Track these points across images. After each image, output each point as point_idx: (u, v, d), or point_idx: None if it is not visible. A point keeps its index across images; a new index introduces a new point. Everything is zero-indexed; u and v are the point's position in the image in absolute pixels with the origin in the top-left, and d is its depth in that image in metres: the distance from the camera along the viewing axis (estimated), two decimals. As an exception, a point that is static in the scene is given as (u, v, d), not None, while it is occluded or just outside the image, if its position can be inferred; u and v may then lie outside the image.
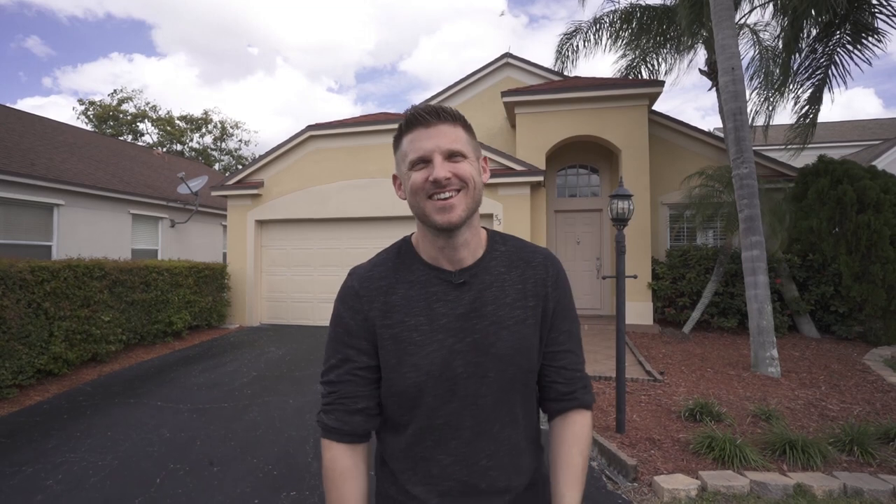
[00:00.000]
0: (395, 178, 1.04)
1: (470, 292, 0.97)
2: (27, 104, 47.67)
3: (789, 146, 9.24)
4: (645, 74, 10.64)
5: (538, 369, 1.03)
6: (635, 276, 4.16)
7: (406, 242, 1.05)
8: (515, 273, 1.02)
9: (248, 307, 9.80)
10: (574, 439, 1.01)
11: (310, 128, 9.66)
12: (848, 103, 43.63)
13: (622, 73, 10.80)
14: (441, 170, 0.90)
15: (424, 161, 0.92)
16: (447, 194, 0.91)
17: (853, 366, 6.05)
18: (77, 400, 4.95)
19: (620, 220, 4.01)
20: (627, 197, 4.00)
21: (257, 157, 10.28)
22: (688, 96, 62.95)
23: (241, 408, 4.72)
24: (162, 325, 7.52)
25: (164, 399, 4.99)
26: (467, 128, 0.98)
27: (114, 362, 6.43)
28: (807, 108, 8.52)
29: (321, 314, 9.59)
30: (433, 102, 11.37)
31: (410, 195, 0.95)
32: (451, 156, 0.92)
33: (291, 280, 9.87)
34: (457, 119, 0.96)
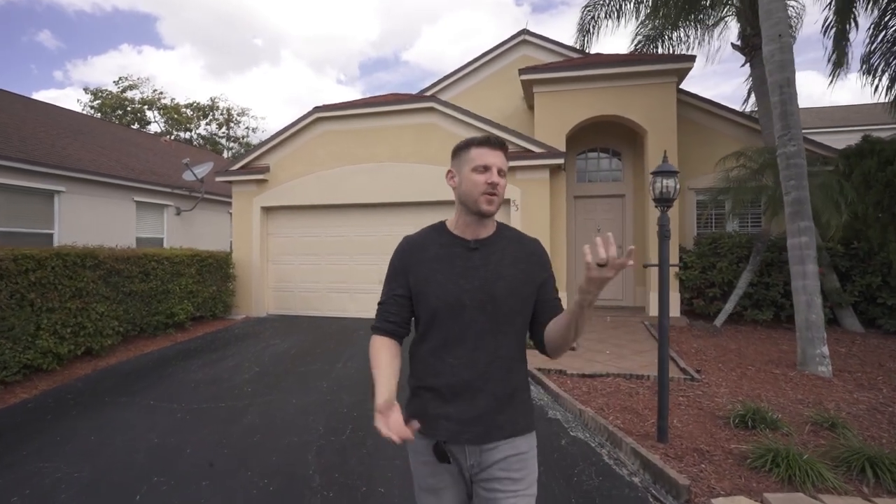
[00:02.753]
0: (449, 171, 1.52)
1: (479, 254, 1.46)
2: (42, 97, 47.81)
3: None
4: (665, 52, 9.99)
5: (528, 314, 1.48)
6: (681, 266, 3.64)
7: (441, 223, 1.56)
8: (513, 247, 1.50)
9: (255, 297, 9.44)
10: (564, 329, 1.40)
11: (317, 109, 9.19)
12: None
13: (640, 47, 10.14)
14: (496, 178, 1.41)
15: (486, 169, 1.41)
16: (495, 195, 1.42)
17: (910, 364, 5.50)
18: (65, 398, 4.59)
19: (664, 201, 3.51)
20: (672, 174, 3.49)
21: (263, 140, 9.85)
22: (707, 84, 61.30)
23: (240, 408, 4.33)
24: (163, 316, 7.18)
25: (158, 397, 4.61)
26: (507, 157, 1.49)
27: (110, 356, 6.09)
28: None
29: (330, 305, 9.20)
30: (448, 83, 11.02)
31: (468, 187, 1.43)
32: (500, 172, 1.43)
33: (299, 269, 9.48)
34: (507, 150, 1.49)
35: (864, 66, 7.88)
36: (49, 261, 5.05)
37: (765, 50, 5.70)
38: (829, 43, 8.19)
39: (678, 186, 3.52)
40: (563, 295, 8.56)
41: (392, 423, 1.22)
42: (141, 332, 6.98)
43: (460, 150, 1.48)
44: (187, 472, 3.15)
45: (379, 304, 1.53)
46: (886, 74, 7.81)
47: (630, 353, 6.10)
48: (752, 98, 11.01)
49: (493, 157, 1.42)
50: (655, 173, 3.55)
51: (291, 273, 9.52)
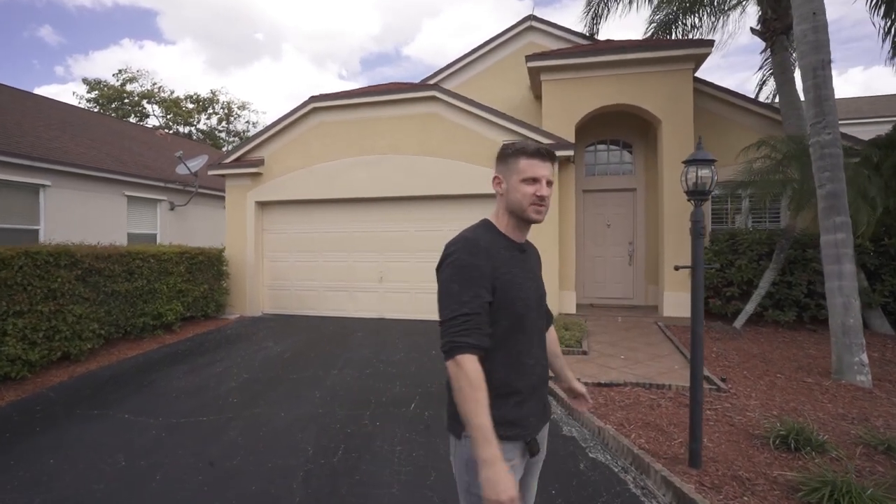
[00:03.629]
0: (496, 177, 1.54)
1: (526, 255, 1.56)
2: (44, 92, 47.39)
3: None
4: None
5: None
6: (718, 268, 3.22)
7: (489, 223, 1.55)
8: (531, 250, 1.65)
9: (249, 296, 9.04)
10: (554, 338, 1.84)
11: (313, 99, 8.74)
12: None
13: (654, 33, 9.65)
14: (545, 190, 1.47)
15: (535, 181, 1.46)
16: (543, 206, 1.48)
17: (953, 372, 5.07)
18: (32, 410, 4.19)
19: (699, 194, 3.07)
20: (709, 162, 3.05)
21: (257, 132, 9.41)
22: (721, 74, 60.44)
23: (222, 423, 3.93)
24: (149, 317, 6.78)
25: (135, 410, 4.21)
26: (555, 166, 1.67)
27: (90, 361, 5.70)
28: None
29: (328, 304, 8.80)
30: (452, 72, 10.52)
31: (518, 197, 1.47)
32: (549, 184, 1.49)
33: (295, 266, 9.07)
34: (555, 161, 1.58)
35: None
36: (15, 260, 4.64)
37: (797, 30, 5.23)
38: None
39: (716, 177, 3.08)
40: (570, 295, 8.17)
41: (512, 485, 1.21)
42: (126, 335, 6.59)
43: (508, 157, 1.49)
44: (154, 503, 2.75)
45: (463, 315, 1.33)
46: None
47: (646, 358, 5.67)
48: (762, 91, 10.56)
49: (543, 169, 1.45)
50: (689, 162, 3.11)
51: (287, 271, 9.11)
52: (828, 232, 4.93)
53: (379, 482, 3.00)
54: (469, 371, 1.28)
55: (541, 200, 1.44)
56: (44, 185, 8.94)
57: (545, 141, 7.60)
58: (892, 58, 6.94)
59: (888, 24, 6.76)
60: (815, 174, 5.08)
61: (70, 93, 46.54)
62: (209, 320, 8.39)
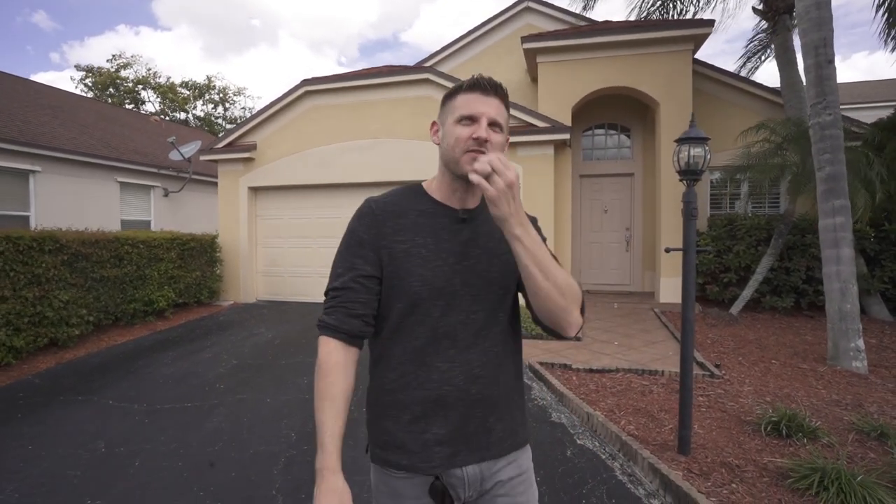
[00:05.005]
0: (434, 123, 1.19)
1: (469, 227, 1.14)
2: (39, 79, 46.99)
3: None
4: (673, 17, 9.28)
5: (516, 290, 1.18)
6: (710, 251, 3.13)
7: (418, 185, 1.20)
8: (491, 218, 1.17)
9: (243, 282, 8.97)
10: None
11: (305, 82, 8.58)
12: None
13: (651, 10, 9.45)
14: (484, 132, 1.05)
15: (472, 120, 1.07)
16: (482, 154, 1.03)
17: (951, 357, 5.00)
18: (15, 397, 4.14)
19: (691, 173, 2.98)
20: (702, 140, 2.95)
21: (248, 116, 9.26)
22: (725, 60, 59.71)
23: (207, 409, 3.87)
24: (140, 303, 6.71)
25: (119, 396, 4.16)
26: (508, 107, 1.12)
27: (79, 347, 5.64)
28: None
29: (321, 289, 8.62)
30: (447, 55, 10.35)
31: (451, 144, 1.09)
32: (493, 124, 1.07)
33: (289, 252, 8.99)
34: (506, 97, 1.12)
35: None
36: (-4, 245, 4.56)
37: (798, 6, 5.07)
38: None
39: (709, 157, 2.97)
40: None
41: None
42: (116, 321, 6.53)
43: (447, 97, 1.14)
44: (129, 491, 2.69)
45: (332, 290, 1.11)
46: None
47: (640, 345, 5.61)
48: (759, 74, 10.34)
49: (483, 105, 1.07)
50: (681, 140, 3.00)
51: (281, 257, 9.03)
52: (826, 216, 4.83)
53: (361, 469, 2.93)
54: (320, 356, 1.07)
55: (478, 145, 1.05)
56: (34, 171, 8.83)
57: (540, 124, 7.47)
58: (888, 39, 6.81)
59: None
60: (814, 156, 4.97)
61: (66, 79, 46.24)
62: (202, 307, 8.33)
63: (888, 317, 6.67)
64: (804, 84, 5.66)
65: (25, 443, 3.28)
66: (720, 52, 62.88)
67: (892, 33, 6.71)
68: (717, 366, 4.73)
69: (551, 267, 0.97)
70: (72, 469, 2.92)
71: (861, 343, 4.58)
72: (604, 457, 3.13)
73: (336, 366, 1.06)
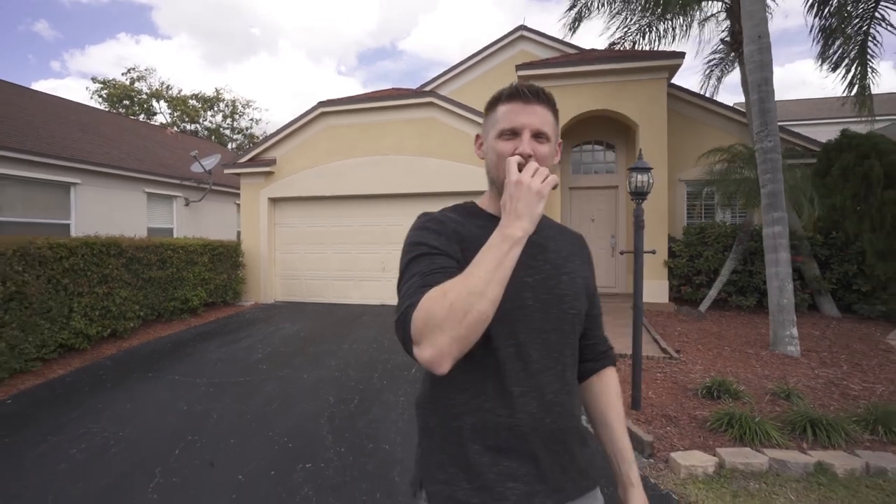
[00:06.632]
0: (477, 136, 1.14)
1: (532, 239, 0.98)
2: (41, 87, 48.06)
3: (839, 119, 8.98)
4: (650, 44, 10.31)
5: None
6: (654, 252, 4.05)
7: (471, 202, 1.15)
8: (564, 237, 1.17)
9: (263, 285, 9.87)
10: (618, 392, 1.18)
11: (321, 104, 9.55)
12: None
13: (632, 37, 10.47)
14: (527, 146, 0.98)
15: (514, 133, 1.00)
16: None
17: (875, 345, 5.92)
18: (97, 374, 5.05)
19: (640, 194, 3.90)
20: (647, 170, 3.88)
21: (269, 134, 10.22)
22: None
23: (257, 383, 4.78)
24: (178, 301, 7.62)
25: (182, 373, 5.06)
26: (555, 113, 1.06)
27: (132, 338, 6.54)
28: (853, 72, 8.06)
29: (335, 292, 9.64)
30: (448, 78, 11.35)
31: (493, 160, 1.04)
32: (538, 136, 1.00)
33: (305, 258, 9.90)
34: (551, 103, 1.04)
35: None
36: (79, 249, 5.48)
37: (746, 50, 6.04)
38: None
39: (651, 181, 3.91)
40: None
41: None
42: (159, 317, 7.43)
43: (488, 107, 1.08)
44: (216, 432, 3.60)
45: (410, 279, 0.93)
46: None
47: (618, 336, 6.48)
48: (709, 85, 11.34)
49: (525, 115, 1.00)
50: (632, 169, 3.94)
51: (298, 262, 9.94)
52: (768, 225, 5.76)
53: (387, 420, 3.85)
54: (436, 293, 0.83)
55: (524, 161, 0.96)
56: (74, 183, 9.75)
57: (532, 143, 8.42)
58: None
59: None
60: (759, 176, 5.91)
61: (68, 88, 47.21)
62: (228, 306, 9.23)
63: (837, 313, 7.60)
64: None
65: (122, 403, 4.18)
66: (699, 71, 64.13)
67: (827, 54, 7.74)
68: (677, 351, 5.64)
69: (473, 274, 0.83)
70: (168, 419, 3.83)
71: (795, 331, 5.51)
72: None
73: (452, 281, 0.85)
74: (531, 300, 1.00)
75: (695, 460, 3.07)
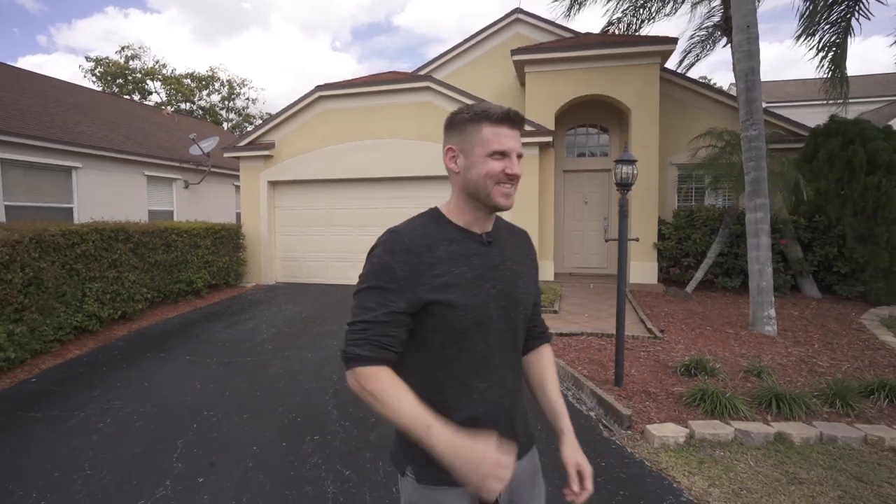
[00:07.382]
0: (450, 149, 1.19)
1: (495, 249, 1.21)
2: (28, 62, 47.26)
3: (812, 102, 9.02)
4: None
5: None
6: (637, 239, 4.31)
7: (437, 211, 1.23)
8: (514, 240, 1.30)
9: (264, 266, 10.12)
10: (552, 363, 1.41)
11: (319, 88, 9.65)
12: (864, 54, 41.78)
13: (627, 16, 10.54)
14: (517, 168, 1.15)
15: (504, 155, 1.13)
16: (511, 186, 1.16)
17: (849, 325, 6.24)
18: (112, 354, 5.33)
19: (624, 185, 4.13)
20: (632, 162, 4.10)
21: (266, 115, 10.32)
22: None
23: (264, 362, 5.07)
24: (183, 284, 7.87)
25: (192, 353, 5.35)
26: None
27: (141, 319, 6.81)
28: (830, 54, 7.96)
29: (334, 273, 9.90)
30: (444, 61, 11.39)
31: (481, 176, 1.13)
32: (519, 157, 1.16)
33: (304, 240, 10.13)
34: (523, 127, 1.21)
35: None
36: (90, 235, 5.70)
37: (734, 39, 6.20)
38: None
39: (636, 172, 4.13)
40: (549, 264, 9.27)
41: (503, 461, 0.97)
42: (165, 299, 7.69)
43: (466, 123, 1.15)
44: (230, 408, 3.90)
45: (361, 322, 1.09)
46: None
47: (606, 316, 6.82)
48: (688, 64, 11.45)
49: (512, 140, 1.14)
50: (618, 161, 4.16)
51: (298, 244, 10.18)
52: (751, 211, 6.02)
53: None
54: (373, 380, 1.04)
55: (510, 180, 1.14)
56: (76, 167, 9.89)
57: (528, 128, 8.59)
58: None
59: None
60: (743, 163, 6.14)
61: (56, 63, 46.35)
62: (230, 288, 9.49)
63: (817, 294, 7.92)
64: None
65: (139, 381, 4.47)
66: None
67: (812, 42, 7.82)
68: (661, 331, 5.95)
69: (390, 407, 1.02)
70: (184, 396, 4.13)
71: (773, 312, 5.81)
72: (561, 389, 4.35)
73: (388, 376, 1.06)
74: (495, 308, 1.15)
75: (668, 431, 3.39)
